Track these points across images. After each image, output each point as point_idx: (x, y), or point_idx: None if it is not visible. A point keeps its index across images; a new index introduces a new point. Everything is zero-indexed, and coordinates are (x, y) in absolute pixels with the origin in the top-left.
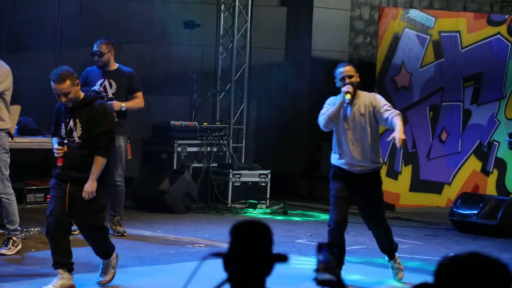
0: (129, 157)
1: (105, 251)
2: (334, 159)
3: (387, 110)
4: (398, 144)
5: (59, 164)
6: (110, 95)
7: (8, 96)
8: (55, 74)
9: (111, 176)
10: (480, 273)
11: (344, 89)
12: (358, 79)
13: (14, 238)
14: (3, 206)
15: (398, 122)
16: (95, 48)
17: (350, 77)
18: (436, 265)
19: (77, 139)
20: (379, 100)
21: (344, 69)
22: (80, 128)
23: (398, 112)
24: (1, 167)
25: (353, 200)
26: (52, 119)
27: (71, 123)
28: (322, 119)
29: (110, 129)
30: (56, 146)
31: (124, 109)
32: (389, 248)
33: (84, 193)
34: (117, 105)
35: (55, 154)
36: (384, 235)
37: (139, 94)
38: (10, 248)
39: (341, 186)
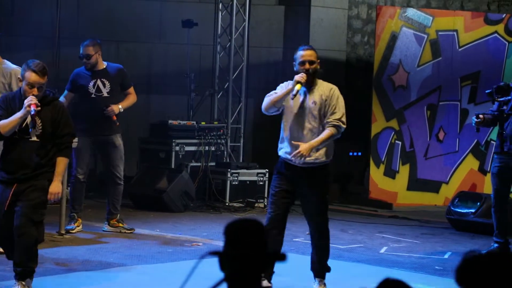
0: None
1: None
2: (280, 150)
3: (332, 114)
4: (292, 155)
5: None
6: (105, 94)
7: None
8: (38, 65)
9: (112, 174)
10: (505, 271)
11: (296, 77)
12: (319, 66)
13: None
14: None
15: (323, 135)
16: (81, 51)
17: (311, 63)
18: (460, 263)
19: (34, 138)
20: (334, 99)
21: (305, 53)
22: (41, 127)
23: (337, 123)
24: None
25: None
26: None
27: (30, 120)
28: (265, 100)
29: (74, 129)
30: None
31: (122, 111)
32: (319, 266)
33: (50, 195)
34: (116, 108)
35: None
36: (322, 245)
37: (131, 89)
38: None
39: (280, 181)
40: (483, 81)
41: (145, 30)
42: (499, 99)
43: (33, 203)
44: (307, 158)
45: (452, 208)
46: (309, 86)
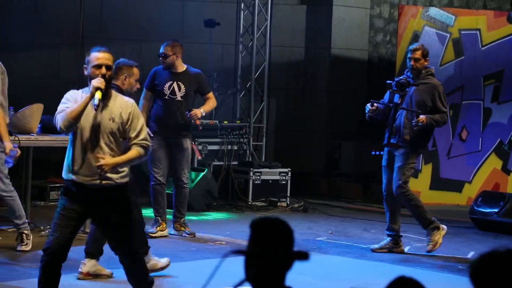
0: (199, 157)
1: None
2: (65, 171)
3: (138, 135)
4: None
5: None
6: (179, 98)
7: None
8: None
9: (177, 178)
10: None
11: (94, 82)
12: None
13: (26, 232)
14: (7, 203)
15: (130, 154)
16: (160, 50)
17: (108, 67)
18: (472, 262)
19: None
20: (135, 115)
21: (100, 55)
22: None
23: (145, 144)
24: None
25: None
26: None
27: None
28: (60, 117)
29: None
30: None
31: (204, 114)
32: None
33: None
34: (198, 113)
35: None
36: (135, 269)
37: (210, 94)
38: (26, 244)
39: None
40: (507, 80)
41: (168, 30)
42: (397, 92)
43: None
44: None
45: (475, 208)
46: (104, 97)
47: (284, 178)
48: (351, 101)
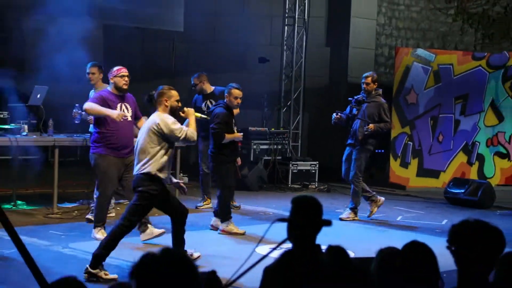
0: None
1: None
2: None
3: None
4: None
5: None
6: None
7: None
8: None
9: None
10: (484, 234)
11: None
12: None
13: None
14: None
15: None
16: (191, 82)
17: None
18: (450, 229)
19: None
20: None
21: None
22: None
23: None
24: None
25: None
26: None
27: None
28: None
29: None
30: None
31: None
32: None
33: None
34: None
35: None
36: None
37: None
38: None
39: None
40: (471, 99)
41: (232, 64)
42: (355, 106)
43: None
44: None
45: (448, 189)
46: None
47: (313, 168)
48: None
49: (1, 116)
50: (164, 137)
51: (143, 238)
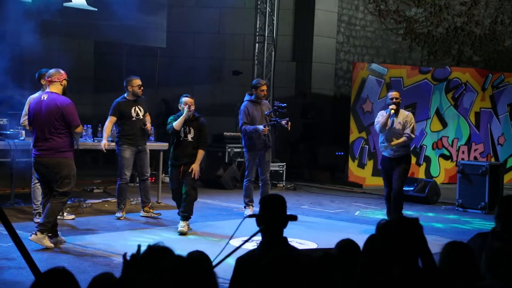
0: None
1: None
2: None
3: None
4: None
5: None
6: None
7: None
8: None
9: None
10: (403, 227)
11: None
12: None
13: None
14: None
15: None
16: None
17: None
18: (376, 225)
19: (190, 139)
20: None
21: (395, 93)
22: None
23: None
24: None
25: None
26: None
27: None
28: (377, 127)
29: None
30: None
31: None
32: None
33: (194, 172)
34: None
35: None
36: None
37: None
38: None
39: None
40: (418, 108)
41: (211, 77)
42: (273, 117)
43: (192, 177)
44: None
45: None
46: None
47: (281, 169)
48: (323, 121)
49: (1, 122)
50: None
51: (32, 238)
